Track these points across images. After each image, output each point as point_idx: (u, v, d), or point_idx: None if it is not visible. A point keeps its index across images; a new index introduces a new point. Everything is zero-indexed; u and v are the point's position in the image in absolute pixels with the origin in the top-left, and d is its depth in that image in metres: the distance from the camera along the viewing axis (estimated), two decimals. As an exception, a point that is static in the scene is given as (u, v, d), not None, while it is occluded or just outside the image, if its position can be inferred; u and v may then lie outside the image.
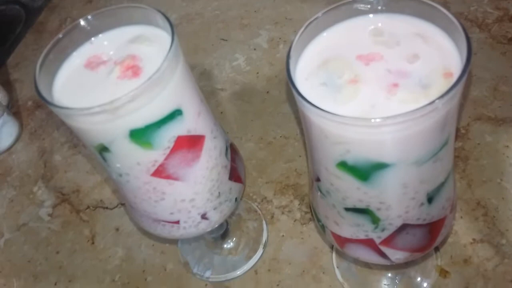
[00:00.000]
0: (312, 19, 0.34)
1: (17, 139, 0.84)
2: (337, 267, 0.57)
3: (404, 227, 0.38)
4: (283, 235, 0.62)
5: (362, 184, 0.34)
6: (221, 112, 0.76)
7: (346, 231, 0.40)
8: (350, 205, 0.37)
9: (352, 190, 0.35)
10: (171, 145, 0.40)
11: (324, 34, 0.36)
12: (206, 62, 0.85)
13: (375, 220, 0.37)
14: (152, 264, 0.63)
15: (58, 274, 0.66)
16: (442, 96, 0.28)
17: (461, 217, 0.58)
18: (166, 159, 0.40)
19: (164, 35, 0.41)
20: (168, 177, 0.42)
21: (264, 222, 0.63)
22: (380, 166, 0.32)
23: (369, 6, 0.35)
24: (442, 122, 0.30)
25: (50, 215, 0.72)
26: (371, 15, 0.35)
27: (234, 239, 0.63)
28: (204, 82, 0.82)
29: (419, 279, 0.54)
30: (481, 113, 0.66)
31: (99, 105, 0.34)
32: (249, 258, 0.60)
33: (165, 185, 0.42)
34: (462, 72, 0.29)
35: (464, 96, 0.67)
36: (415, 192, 0.35)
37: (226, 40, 0.88)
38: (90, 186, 0.74)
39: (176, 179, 0.42)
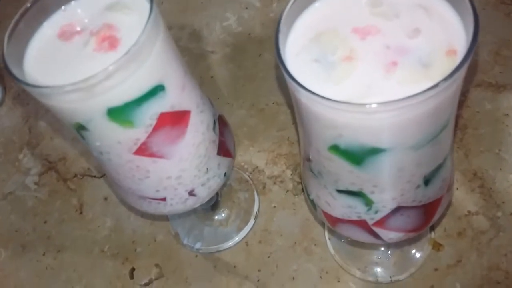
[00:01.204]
0: (304, -12, 0.31)
1: (0, 104, 0.81)
2: (329, 239, 0.56)
3: (398, 209, 0.36)
4: (274, 206, 0.60)
5: (355, 168, 0.32)
6: (212, 77, 0.73)
7: (338, 212, 0.39)
8: (342, 188, 0.35)
9: (345, 173, 0.33)
10: (154, 122, 0.37)
11: (317, 4, 0.32)
12: (196, 22, 0.81)
13: (368, 202, 0.36)
14: (142, 235, 0.62)
15: (47, 244, 0.65)
16: (445, 79, 0.25)
17: (457, 188, 0.56)
18: (148, 137, 0.38)
19: (144, 1, 0.37)
20: (151, 155, 0.40)
21: (255, 192, 0.61)
22: (374, 151, 0.30)
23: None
24: (443, 105, 0.28)
25: (36, 183, 0.71)
26: (368, -17, 0.32)
27: (225, 210, 0.61)
28: (193, 44, 0.78)
29: (411, 252, 0.54)
30: (481, 79, 0.63)
31: (72, 83, 0.31)
32: (240, 229, 0.59)
33: (149, 163, 0.40)
34: (468, 52, 0.26)
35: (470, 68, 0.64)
36: (411, 175, 0.33)
37: (217, -2, 0.84)
38: (76, 153, 0.72)
39: (160, 157, 0.40)
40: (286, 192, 0.61)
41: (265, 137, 0.66)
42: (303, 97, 0.28)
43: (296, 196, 0.60)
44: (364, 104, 0.26)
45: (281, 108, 0.68)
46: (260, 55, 0.74)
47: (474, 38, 0.26)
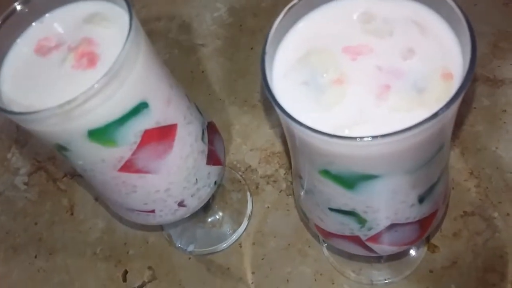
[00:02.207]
0: (291, 4, 0.29)
1: (-14, 100, 0.78)
2: (323, 241, 0.55)
3: (392, 226, 0.35)
4: (268, 207, 0.59)
5: (347, 191, 0.31)
6: (202, 71, 0.71)
7: (331, 227, 0.38)
8: (334, 207, 0.34)
9: (337, 195, 0.32)
10: (138, 140, 0.36)
11: (306, 20, 0.31)
12: (185, 13, 0.78)
13: (361, 221, 0.34)
14: (134, 237, 0.61)
15: (38, 246, 0.64)
16: (442, 110, 0.24)
17: (453, 188, 0.55)
18: (133, 154, 0.36)
19: (124, 13, 0.35)
20: (138, 171, 0.38)
21: (248, 193, 0.60)
22: (367, 177, 0.29)
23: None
24: (438, 132, 0.27)
25: (26, 183, 0.69)
26: (360, -4, 0.30)
27: (218, 211, 0.60)
28: (183, 36, 0.76)
29: (406, 254, 0.53)
30: (479, 73, 0.62)
31: (47, 108, 0.30)
32: (233, 231, 0.59)
33: (135, 179, 0.39)
34: (465, 79, 0.24)
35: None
36: (405, 196, 0.32)
37: (207, -13, 0.81)
38: (66, 152, 0.70)
39: (147, 172, 0.39)
40: (280, 192, 0.60)
41: (258, 135, 0.64)
42: (291, 125, 0.27)
43: (290, 196, 0.59)
44: (355, 138, 0.24)
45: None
46: (252, 48, 0.72)
47: (471, 64, 0.25)
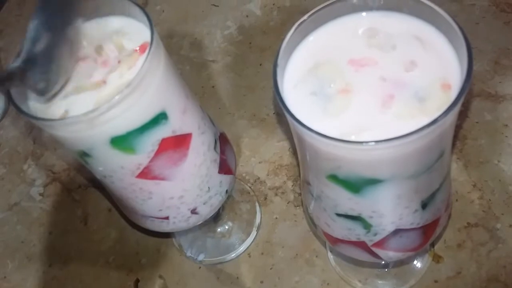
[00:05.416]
0: (301, 20, 0.32)
1: (4, 114, 0.81)
2: (330, 251, 0.57)
3: (397, 232, 0.37)
4: (276, 218, 0.61)
5: (353, 195, 0.33)
6: (213, 86, 0.74)
7: (338, 233, 0.39)
8: (341, 212, 0.36)
9: (344, 199, 0.34)
10: (156, 148, 0.38)
11: (314, 35, 0.33)
12: (197, 31, 0.81)
13: (367, 226, 0.36)
14: (146, 246, 0.63)
15: (52, 255, 0.65)
16: (441, 116, 0.26)
17: (456, 200, 0.57)
18: (151, 161, 0.39)
19: (145, 28, 0.38)
20: (154, 178, 0.40)
21: (257, 204, 0.62)
22: (372, 182, 0.30)
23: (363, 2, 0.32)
24: (439, 138, 0.29)
25: (41, 194, 0.71)
26: (364, 13, 0.32)
27: (228, 221, 0.62)
28: (194, 53, 0.79)
29: (412, 264, 0.54)
30: (481, 89, 0.64)
31: (74, 116, 0.32)
32: (242, 241, 0.60)
33: (151, 185, 0.41)
34: (462, 89, 0.26)
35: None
36: (409, 201, 0.34)
37: (217, 6, 0.84)
38: (80, 164, 0.72)
39: (162, 179, 0.41)
40: (288, 203, 0.62)
41: (266, 148, 0.66)
42: (301, 132, 0.29)
43: (297, 207, 0.61)
44: (361, 142, 0.26)
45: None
46: (261, 64, 0.74)
47: (468, 75, 0.27)
